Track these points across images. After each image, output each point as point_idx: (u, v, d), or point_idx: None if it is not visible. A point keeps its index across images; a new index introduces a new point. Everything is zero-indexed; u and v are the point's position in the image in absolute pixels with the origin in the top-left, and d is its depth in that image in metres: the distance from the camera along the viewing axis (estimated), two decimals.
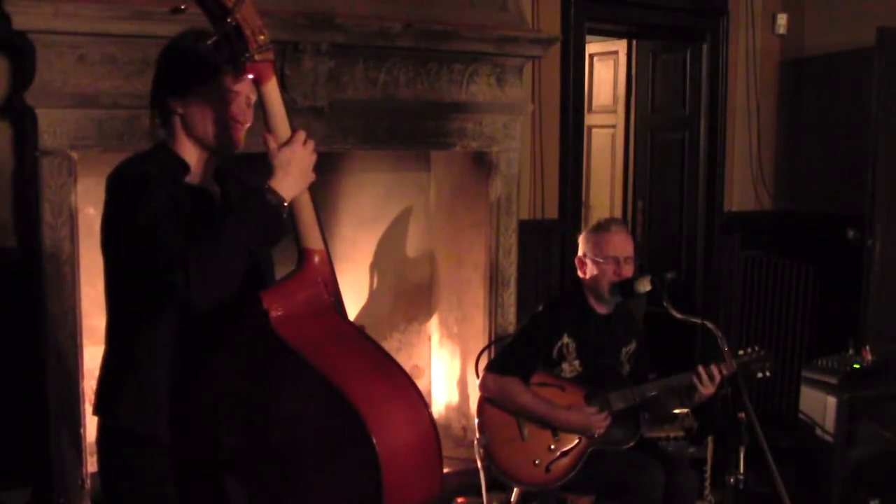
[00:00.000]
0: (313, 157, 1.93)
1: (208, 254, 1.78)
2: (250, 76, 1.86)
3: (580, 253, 3.37)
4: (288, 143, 1.89)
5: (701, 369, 3.14)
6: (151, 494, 2.00)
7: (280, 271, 2.04)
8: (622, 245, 3.31)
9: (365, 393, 1.80)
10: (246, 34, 1.81)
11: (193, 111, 1.97)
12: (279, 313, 1.85)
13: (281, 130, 1.90)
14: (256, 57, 1.83)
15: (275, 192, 1.86)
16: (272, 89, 1.88)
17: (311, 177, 1.93)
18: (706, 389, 3.15)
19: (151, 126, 2.03)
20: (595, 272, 3.30)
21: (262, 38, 1.83)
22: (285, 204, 1.87)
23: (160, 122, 2.02)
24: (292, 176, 1.88)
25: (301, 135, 1.91)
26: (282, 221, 1.88)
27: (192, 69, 1.96)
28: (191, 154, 2.01)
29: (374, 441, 1.73)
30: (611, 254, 3.28)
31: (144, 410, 1.96)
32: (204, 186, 2.03)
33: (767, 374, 3.29)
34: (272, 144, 1.89)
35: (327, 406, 1.80)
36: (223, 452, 1.93)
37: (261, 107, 1.90)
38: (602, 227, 3.36)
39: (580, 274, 3.37)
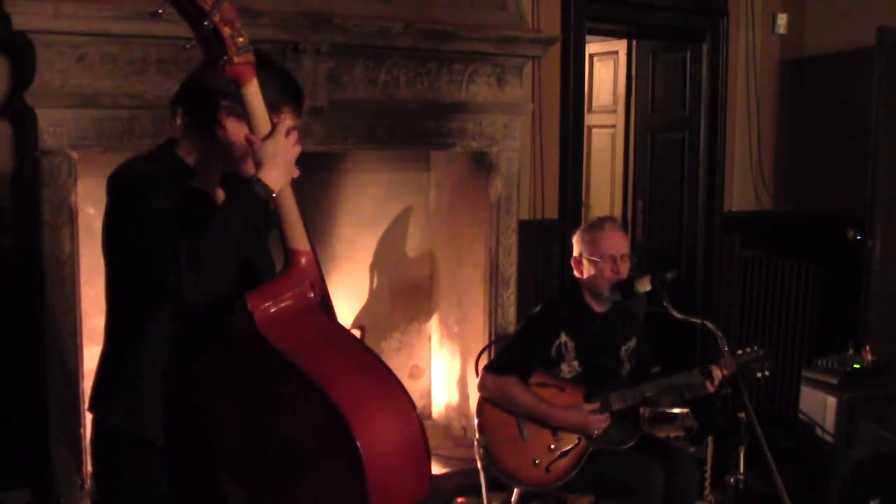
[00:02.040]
0: (297, 149, 1.90)
1: (198, 245, 1.77)
2: (230, 78, 1.84)
3: (576, 253, 3.37)
4: (271, 134, 1.87)
5: (713, 370, 3.16)
6: (145, 495, 2.00)
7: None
8: (618, 243, 3.31)
9: (350, 394, 1.80)
10: (224, 37, 1.79)
11: (239, 130, 1.94)
12: (265, 314, 1.85)
13: (263, 132, 1.88)
14: (235, 59, 1.81)
15: (263, 184, 1.84)
16: (254, 91, 1.86)
17: (295, 170, 1.91)
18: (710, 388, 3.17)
19: (179, 125, 1.99)
20: (592, 271, 3.30)
21: (240, 40, 1.81)
22: (273, 195, 1.86)
23: (195, 125, 1.97)
24: (279, 168, 1.86)
25: (283, 126, 1.88)
26: (269, 213, 1.87)
27: (276, 97, 1.94)
28: (201, 160, 2.00)
29: (359, 443, 1.73)
30: (607, 252, 3.28)
31: (137, 409, 1.96)
32: (208, 191, 2.03)
33: (767, 373, 3.30)
34: (255, 140, 1.87)
35: (312, 407, 1.80)
36: (216, 452, 1.93)
37: (242, 108, 1.88)
38: (596, 226, 3.36)
39: (577, 274, 3.37)
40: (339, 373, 1.85)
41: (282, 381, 1.84)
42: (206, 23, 1.78)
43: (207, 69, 1.89)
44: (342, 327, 2.02)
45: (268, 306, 1.86)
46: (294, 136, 1.90)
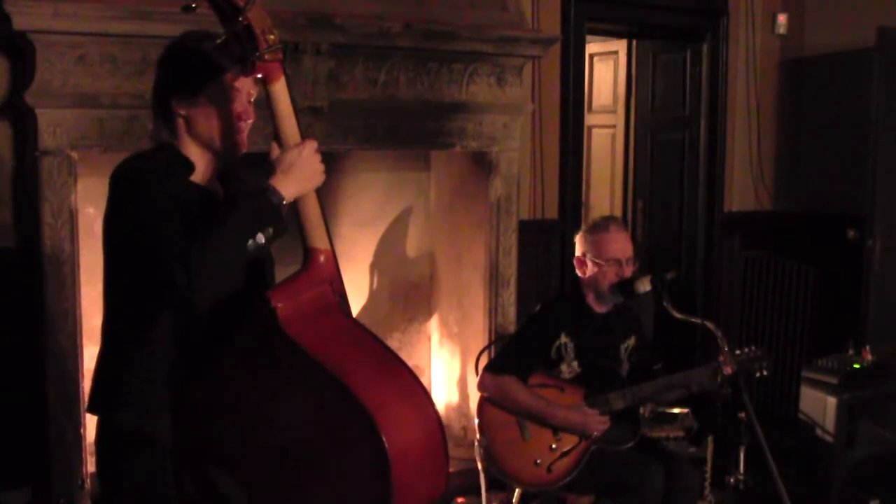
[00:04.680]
0: (318, 166, 1.93)
1: (205, 247, 1.78)
2: (259, 75, 1.87)
3: (579, 253, 3.36)
4: (297, 146, 1.90)
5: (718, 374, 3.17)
6: (151, 494, 2.00)
7: (286, 271, 2.04)
8: (623, 246, 3.29)
9: (373, 392, 1.80)
10: (256, 33, 1.82)
11: (198, 113, 1.98)
12: (287, 312, 1.85)
13: (289, 130, 1.91)
14: (266, 56, 1.84)
15: (275, 191, 1.86)
16: (281, 89, 1.88)
17: (317, 179, 1.93)
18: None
19: (154, 129, 2.03)
20: (595, 272, 3.29)
21: (271, 37, 1.84)
22: (284, 203, 1.88)
23: (163, 125, 2.01)
24: (293, 177, 1.88)
25: (312, 144, 1.92)
26: (280, 220, 1.88)
27: (197, 71, 1.96)
28: (194, 154, 2.01)
29: (384, 440, 1.73)
30: (612, 256, 3.26)
31: (143, 409, 1.96)
32: (208, 187, 2.03)
33: (765, 372, 3.30)
34: (275, 146, 1.90)
35: (335, 405, 1.80)
36: (227, 452, 1.92)
37: (269, 107, 1.90)
38: (601, 227, 3.34)
39: (579, 273, 3.36)
40: (362, 370, 1.86)
41: (304, 379, 1.84)
42: (240, 19, 1.80)
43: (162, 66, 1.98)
44: (361, 325, 2.02)
45: (290, 304, 1.87)
46: (318, 154, 1.93)
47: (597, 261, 3.28)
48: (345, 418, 1.79)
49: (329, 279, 1.96)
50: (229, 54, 1.88)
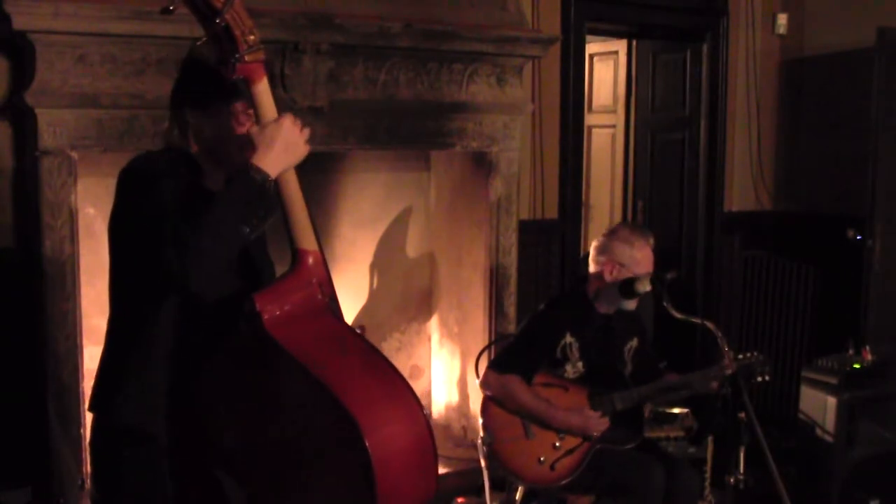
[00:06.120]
0: (303, 133, 1.91)
1: (197, 231, 1.77)
2: (241, 77, 1.85)
3: (616, 258, 3.28)
4: (273, 121, 1.88)
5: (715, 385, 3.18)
6: (148, 493, 2.00)
7: (280, 272, 2.03)
8: (651, 261, 3.30)
9: (359, 395, 1.80)
10: (236, 35, 1.81)
11: (207, 125, 1.98)
12: (273, 315, 1.85)
13: None
14: (247, 58, 1.82)
15: (258, 169, 1.84)
16: (263, 90, 1.87)
17: (301, 151, 1.91)
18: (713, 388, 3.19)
19: (168, 129, 2.05)
20: (617, 278, 3.28)
21: (252, 38, 1.82)
22: (270, 179, 1.86)
23: (176, 127, 2.03)
24: (275, 152, 1.86)
25: (289, 116, 1.89)
26: (268, 197, 1.86)
27: (209, 89, 1.96)
28: (202, 159, 2.02)
29: (367, 443, 1.73)
30: (643, 271, 3.26)
31: (142, 408, 1.96)
32: (214, 190, 2.03)
33: (767, 378, 3.29)
34: (254, 127, 1.89)
35: (321, 408, 1.80)
36: (220, 452, 1.93)
37: (252, 107, 1.90)
38: (642, 239, 3.30)
39: (606, 275, 3.28)
40: (348, 373, 1.85)
41: (290, 382, 1.84)
42: (217, 20, 1.79)
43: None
44: (350, 328, 2.01)
45: (276, 306, 1.86)
46: (298, 122, 1.91)
47: (626, 268, 3.26)
48: (330, 422, 1.78)
49: (317, 281, 1.95)
50: (212, 55, 1.87)
